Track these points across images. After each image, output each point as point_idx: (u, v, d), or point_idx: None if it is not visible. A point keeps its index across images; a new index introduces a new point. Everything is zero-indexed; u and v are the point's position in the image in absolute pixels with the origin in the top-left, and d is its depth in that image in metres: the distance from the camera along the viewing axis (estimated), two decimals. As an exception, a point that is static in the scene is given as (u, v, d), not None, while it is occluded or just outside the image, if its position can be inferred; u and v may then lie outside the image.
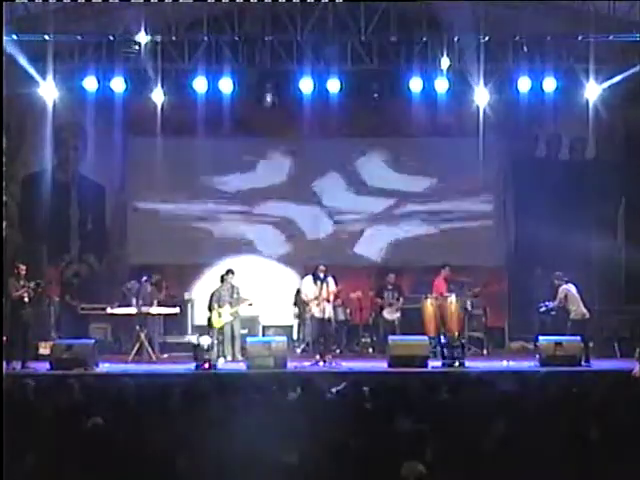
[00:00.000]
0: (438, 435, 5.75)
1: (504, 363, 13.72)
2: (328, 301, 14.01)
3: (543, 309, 14.45)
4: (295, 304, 15.92)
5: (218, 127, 17.12)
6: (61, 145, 17.13)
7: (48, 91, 15.29)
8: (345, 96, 15.96)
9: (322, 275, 13.94)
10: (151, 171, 16.88)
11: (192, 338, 15.03)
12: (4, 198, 16.37)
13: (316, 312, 14.04)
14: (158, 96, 15.63)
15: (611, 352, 14.85)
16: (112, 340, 15.85)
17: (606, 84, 15.40)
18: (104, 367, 13.51)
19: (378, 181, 17.38)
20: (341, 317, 15.55)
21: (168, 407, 7.12)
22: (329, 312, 14.09)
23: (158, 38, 14.96)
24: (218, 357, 14.02)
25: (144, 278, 15.44)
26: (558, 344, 13.37)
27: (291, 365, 13.40)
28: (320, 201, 17.37)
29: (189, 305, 16.23)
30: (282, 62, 15.54)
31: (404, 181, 17.40)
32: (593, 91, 15.44)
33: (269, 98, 16.00)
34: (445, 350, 13.57)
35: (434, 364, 13.35)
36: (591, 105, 15.63)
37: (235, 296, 15.09)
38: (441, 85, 15.51)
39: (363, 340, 16.08)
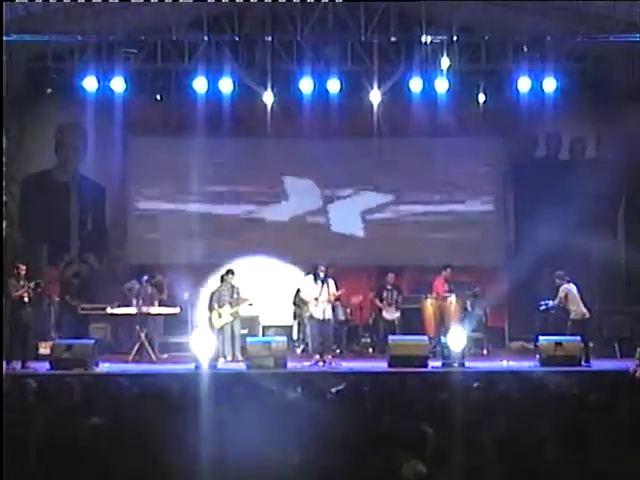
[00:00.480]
0: (438, 435, 5.75)
1: (504, 363, 13.72)
2: (329, 302, 14.01)
3: (543, 307, 14.47)
4: (294, 304, 15.92)
5: (218, 127, 17.14)
6: (61, 145, 17.14)
7: (49, 91, 15.28)
8: (345, 96, 15.98)
9: (322, 275, 13.94)
10: (151, 171, 16.89)
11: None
12: (4, 198, 16.37)
13: (315, 312, 14.04)
14: (159, 96, 15.62)
15: (611, 352, 14.85)
16: (112, 340, 15.84)
17: (605, 84, 15.42)
18: (104, 367, 13.51)
19: (378, 181, 17.37)
20: (341, 317, 15.55)
21: (168, 407, 7.12)
22: (329, 313, 14.10)
23: (158, 38, 14.96)
24: (218, 357, 14.00)
25: (145, 278, 15.45)
26: (558, 344, 13.37)
27: (291, 365, 13.40)
28: (320, 201, 17.35)
29: (189, 305, 16.21)
30: (282, 62, 15.56)
31: (404, 181, 17.39)
32: (593, 90, 15.44)
33: (269, 98, 16.00)
34: (445, 350, 13.57)
35: (434, 364, 13.35)
36: (591, 104, 15.64)
37: (235, 296, 15.10)
38: (441, 85, 15.52)
39: (363, 340, 16.08)
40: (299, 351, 15.65)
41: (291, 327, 16.11)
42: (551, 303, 14.23)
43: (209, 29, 15.10)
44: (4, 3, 13.34)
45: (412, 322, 15.48)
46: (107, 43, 15.35)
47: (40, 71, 15.34)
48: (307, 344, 15.07)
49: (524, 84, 15.48)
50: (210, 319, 15.06)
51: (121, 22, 15.02)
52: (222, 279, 15.32)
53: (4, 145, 16.12)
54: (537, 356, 13.58)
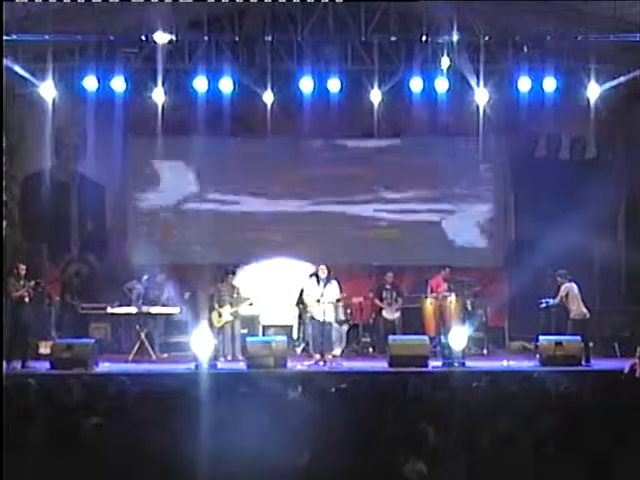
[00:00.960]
0: (438, 434, 5.75)
1: (504, 363, 13.72)
2: (330, 303, 14.00)
3: (544, 305, 14.49)
4: (298, 305, 15.92)
5: (218, 127, 17.14)
6: (61, 145, 17.13)
7: (48, 91, 15.29)
8: (345, 96, 15.98)
9: (324, 276, 13.93)
10: (151, 171, 16.89)
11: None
12: (4, 198, 16.37)
13: (316, 314, 14.03)
14: (158, 96, 15.63)
15: (611, 352, 14.86)
16: (112, 340, 15.84)
17: (607, 84, 15.41)
18: (104, 367, 13.52)
19: (378, 181, 17.36)
20: (341, 317, 15.55)
21: (168, 407, 7.12)
22: (330, 314, 14.09)
23: (158, 38, 14.95)
24: (218, 357, 14.00)
25: (145, 277, 15.46)
26: (558, 344, 13.38)
27: (291, 365, 13.40)
28: (320, 201, 17.35)
29: (189, 305, 16.20)
30: (282, 62, 15.55)
31: (404, 181, 17.38)
32: (593, 91, 15.44)
33: (269, 98, 15.99)
34: (445, 350, 13.58)
35: (434, 364, 13.35)
36: (591, 104, 15.63)
37: (235, 296, 15.11)
38: (441, 85, 15.52)
39: (363, 340, 16.07)
40: (299, 351, 15.65)
41: (291, 327, 16.10)
42: (552, 301, 14.25)
43: (209, 29, 15.09)
44: (4, 3, 13.34)
45: (412, 322, 15.49)
46: (107, 43, 15.34)
47: (40, 71, 15.32)
48: (307, 343, 15.08)
49: (524, 84, 15.47)
50: (210, 319, 15.06)
51: (121, 22, 15.01)
52: (222, 279, 15.33)
53: (4, 145, 16.11)
54: (537, 356, 13.59)
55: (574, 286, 14.03)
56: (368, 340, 16.08)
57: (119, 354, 14.98)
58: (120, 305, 15.16)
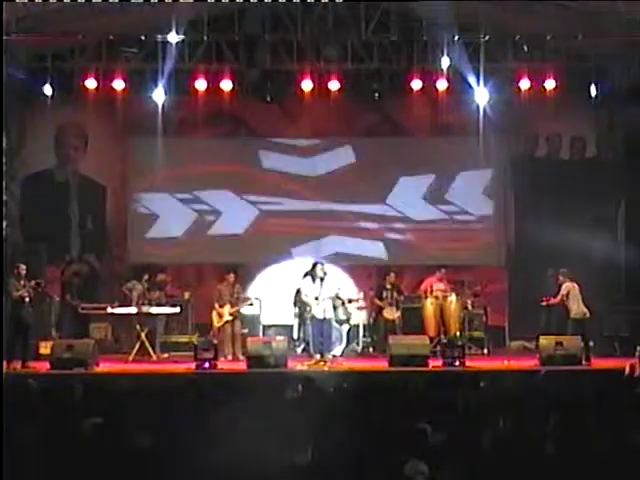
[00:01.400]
0: (438, 434, 5.75)
1: (504, 363, 13.71)
2: (329, 301, 14.01)
3: (545, 303, 14.50)
4: (295, 304, 15.92)
5: (218, 127, 17.15)
6: (61, 145, 17.14)
7: (48, 91, 15.29)
8: (345, 96, 15.99)
9: (322, 275, 13.93)
10: (151, 171, 16.89)
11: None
12: (4, 198, 16.37)
13: (316, 312, 14.03)
14: (158, 96, 15.63)
15: (612, 351, 14.85)
16: (112, 340, 15.84)
17: (606, 84, 15.42)
18: (104, 367, 13.52)
19: (378, 181, 17.35)
20: (341, 317, 15.54)
21: (168, 407, 7.12)
22: (329, 312, 14.09)
23: (158, 38, 14.96)
24: (218, 356, 13.98)
25: (145, 277, 15.46)
26: (558, 343, 13.38)
27: (291, 365, 13.39)
28: (320, 201, 17.35)
29: (189, 305, 16.21)
30: (282, 62, 15.55)
31: (404, 181, 17.38)
32: (593, 90, 15.44)
33: (269, 98, 16.00)
34: (445, 350, 13.57)
35: (434, 364, 13.35)
36: (591, 104, 15.63)
37: (235, 295, 15.11)
38: (441, 85, 15.53)
39: (363, 340, 16.07)
40: (299, 350, 15.65)
41: (292, 326, 16.10)
42: (553, 300, 14.27)
43: (209, 29, 15.09)
44: (4, 3, 13.34)
45: (412, 322, 15.49)
46: (107, 43, 15.35)
47: (40, 71, 15.32)
48: (307, 343, 15.07)
49: (524, 84, 15.48)
50: (210, 319, 15.06)
51: (121, 22, 15.01)
52: (222, 278, 15.33)
53: (4, 145, 16.11)
54: (537, 355, 13.58)
55: (575, 285, 14.04)
56: (368, 340, 16.08)
57: (119, 354, 14.98)
58: (120, 305, 15.14)
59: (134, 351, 14.55)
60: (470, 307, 15.67)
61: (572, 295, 13.98)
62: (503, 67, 15.56)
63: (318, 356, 13.90)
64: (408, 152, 17.32)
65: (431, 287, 15.34)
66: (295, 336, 15.96)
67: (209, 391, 8.04)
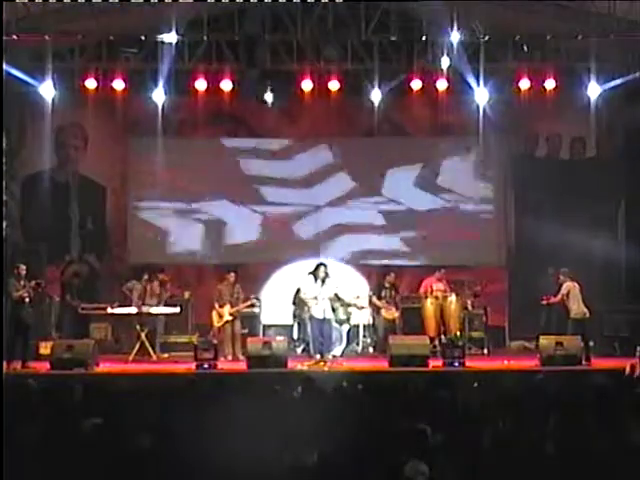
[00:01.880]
0: (439, 434, 5.75)
1: (504, 363, 13.71)
2: (328, 301, 14.00)
3: (545, 302, 14.50)
4: (294, 303, 15.92)
5: (218, 127, 17.15)
6: (61, 145, 17.13)
7: (48, 91, 15.29)
8: (345, 96, 15.99)
9: (323, 275, 13.92)
10: (151, 171, 16.89)
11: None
12: (4, 198, 16.37)
13: (315, 312, 14.02)
14: (158, 96, 15.63)
15: (612, 351, 14.85)
16: (112, 340, 15.84)
17: (606, 84, 15.42)
18: (104, 367, 13.52)
19: (378, 181, 17.36)
20: (341, 317, 15.54)
21: (168, 407, 7.12)
22: (329, 312, 14.09)
23: (158, 38, 14.95)
24: (218, 357, 13.97)
25: (145, 277, 15.45)
26: (559, 343, 13.37)
27: (291, 365, 13.39)
28: (320, 201, 17.35)
29: (189, 305, 16.21)
30: (282, 62, 15.55)
31: (404, 180, 17.38)
32: (593, 90, 15.45)
33: (269, 98, 15.99)
34: (445, 350, 13.57)
35: (434, 364, 13.34)
36: (591, 104, 15.64)
37: (235, 295, 15.11)
38: (441, 85, 15.53)
39: (363, 340, 16.07)
40: (299, 350, 15.64)
41: (292, 326, 16.10)
42: (553, 299, 14.27)
43: (209, 29, 15.09)
44: (4, 3, 13.34)
45: (412, 322, 15.49)
46: (107, 43, 15.34)
47: (40, 71, 15.32)
48: (307, 343, 15.07)
49: (524, 84, 15.49)
50: (210, 319, 15.06)
51: (121, 22, 15.01)
52: (222, 278, 15.33)
53: (4, 145, 16.11)
54: (538, 355, 13.58)
55: (576, 285, 14.04)
56: (368, 340, 16.07)
57: (119, 354, 14.97)
58: (120, 305, 15.14)
59: (134, 351, 14.55)
60: (470, 307, 15.67)
61: (572, 295, 13.98)
62: (503, 67, 15.55)
63: (318, 356, 13.90)
64: (408, 152, 17.31)
65: (431, 287, 15.36)
66: (295, 336, 15.96)
67: (209, 391, 8.05)
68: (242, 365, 13.70)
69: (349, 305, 15.51)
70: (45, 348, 14.21)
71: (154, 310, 15.03)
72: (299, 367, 13.42)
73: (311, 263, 14.64)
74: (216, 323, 14.99)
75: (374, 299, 15.83)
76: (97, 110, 16.36)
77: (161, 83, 15.42)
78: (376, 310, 15.85)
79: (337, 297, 14.68)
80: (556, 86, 15.50)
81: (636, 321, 15.39)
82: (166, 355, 15.14)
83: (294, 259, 16.86)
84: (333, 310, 14.49)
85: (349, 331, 15.88)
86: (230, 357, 14.79)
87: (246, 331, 15.37)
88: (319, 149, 17.33)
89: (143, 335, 14.63)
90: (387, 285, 15.90)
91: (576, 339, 13.54)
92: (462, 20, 14.65)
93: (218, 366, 13.28)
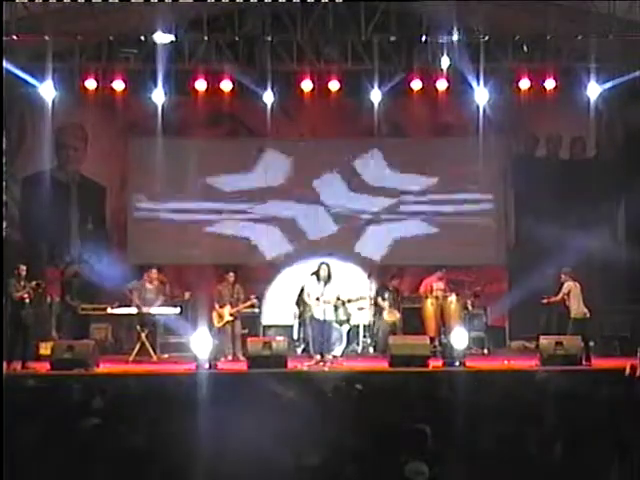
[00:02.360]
0: (438, 435, 5.75)
1: (504, 363, 13.71)
2: (331, 302, 14.00)
3: (545, 301, 14.51)
4: (297, 303, 15.91)
5: (218, 127, 17.15)
6: (61, 145, 17.13)
7: (48, 91, 15.30)
8: (345, 96, 15.99)
9: (325, 274, 13.92)
10: (151, 171, 16.89)
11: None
12: (4, 198, 16.36)
13: (317, 313, 14.02)
14: (158, 96, 15.63)
15: (612, 351, 14.85)
16: (112, 340, 15.84)
17: (606, 83, 15.42)
18: (104, 367, 13.52)
19: (378, 181, 17.35)
20: (342, 317, 15.54)
21: (168, 407, 7.12)
22: (330, 313, 14.08)
23: (161, 39, 14.95)
24: (218, 357, 13.98)
25: (145, 277, 15.44)
26: (559, 343, 13.38)
27: (291, 365, 13.39)
28: (320, 201, 17.35)
29: (190, 305, 16.20)
30: (282, 62, 15.55)
31: (404, 181, 17.38)
32: (593, 90, 15.46)
33: (269, 98, 15.99)
34: (446, 350, 13.57)
35: (435, 364, 13.35)
36: (591, 104, 15.65)
37: (235, 296, 15.10)
38: (441, 85, 15.53)
39: (363, 340, 16.07)
40: (299, 351, 15.64)
41: (292, 327, 16.10)
42: (554, 298, 14.27)
43: (209, 29, 15.09)
44: (4, 3, 13.35)
45: (412, 322, 15.49)
46: (107, 43, 15.35)
47: (40, 71, 15.32)
48: (307, 344, 15.07)
49: (524, 84, 15.49)
50: (210, 319, 15.05)
51: (121, 22, 15.01)
52: (222, 279, 15.33)
53: (4, 145, 16.11)
54: (538, 355, 13.58)
55: (577, 285, 14.05)
56: (368, 340, 16.07)
57: (119, 355, 14.97)
58: (120, 305, 15.15)
59: (134, 352, 14.54)
60: (470, 307, 15.67)
61: (573, 294, 13.99)
62: (503, 67, 15.56)
63: (318, 356, 13.90)
64: (408, 152, 17.32)
65: (431, 287, 15.34)
66: (295, 336, 15.96)
67: (209, 391, 8.04)
68: (242, 365, 13.71)
69: (349, 301, 15.50)
70: (45, 348, 14.22)
71: (154, 310, 15.03)
72: (299, 367, 13.42)
73: (312, 263, 14.62)
74: (216, 323, 14.99)
75: (379, 300, 15.83)
76: (97, 110, 16.38)
77: (161, 83, 15.42)
78: (379, 311, 15.84)
79: (339, 298, 14.69)
80: (556, 86, 15.50)
81: (636, 321, 15.40)
82: (166, 355, 15.14)
83: (295, 260, 16.86)
84: (335, 310, 14.49)
85: (349, 331, 15.88)
86: (230, 357, 14.79)
87: (246, 331, 15.37)
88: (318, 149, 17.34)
89: (143, 336, 14.63)
90: (391, 288, 15.91)
91: (576, 339, 13.55)
92: (462, 20, 14.66)
93: (218, 366, 13.28)
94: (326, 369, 13.36)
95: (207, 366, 12.95)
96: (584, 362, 13.39)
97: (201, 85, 15.55)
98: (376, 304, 15.88)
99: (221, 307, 15.03)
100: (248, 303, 15.26)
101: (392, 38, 15.23)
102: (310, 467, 5.17)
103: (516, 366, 13.40)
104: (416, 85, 15.62)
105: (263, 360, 13.14)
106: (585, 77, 15.46)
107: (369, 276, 16.49)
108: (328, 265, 14.05)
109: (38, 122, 16.25)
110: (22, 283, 13.49)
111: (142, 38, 15.08)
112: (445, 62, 15.13)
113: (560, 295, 14.12)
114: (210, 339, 13.26)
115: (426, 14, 14.98)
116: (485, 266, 17.10)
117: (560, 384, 8.74)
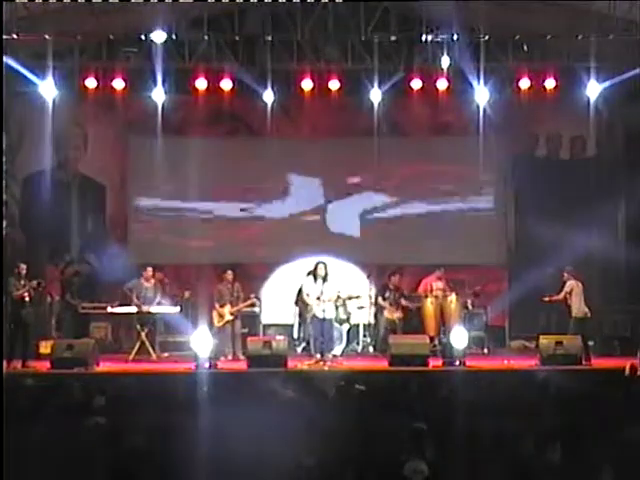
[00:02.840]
0: (438, 434, 5.75)
1: (504, 362, 13.71)
2: (329, 301, 14.00)
3: (547, 299, 14.51)
4: (296, 303, 15.92)
5: (218, 126, 17.15)
6: (61, 145, 17.12)
7: (48, 91, 15.30)
8: (345, 96, 15.99)
9: (322, 273, 13.92)
10: (151, 170, 16.89)
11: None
12: (4, 197, 16.37)
13: (317, 312, 14.03)
14: (158, 96, 15.64)
15: (612, 351, 14.86)
16: (112, 339, 15.85)
17: (606, 83, 15.43)
18: (104, 366, 13.52)
19: (378, 181, 17.35)
20: (342, 316, 15.55)
21: (168, 406, 7.13)
22: (330, 312, 14.08)
23: (158, 37, 14.95)
24: (218, 356, 13.98)
25: (145, 277, 15.44)
26: (559, 343, 13.38)
27: (291, 365, 13.39)
28: (320, 200, 17.35)
29: (189, 304, 16.20)
30: (282, 62, 15.55)
31: (404, 180, 17.38)
32: (593, 90, 15.46)
33: (269, 98, 15.99)
34: (446, 349, 13.57)
35: (435, 363, 13.35)
36: (591, 104, 15.65)
37: (235, 294, 15.11)
38: (441, 84, 15.54)
39: (363, 340, 16.07)
40: (299, 350, 15.65)
41: (292, 326, 16.11)
42: (555, 297, 14.27)
43: (209, 28, 15.10)
44: (4, 3, 13.34)
45: (412, 322, 15.49)
46: (107, 43, 15.35)
47: (40, 71, 15.32)
48: (308, 343, 15.07)
49: (524, 84, 15.50)
50: (210, 318, 15.05)
51: (121, 22, 15.01)
52: (221, 278, 15.32)
53: (4, 145, 16.11)
54: (538, 355, 13.59)
55: (579, 284, 14.06)
56: (368, 340, 16.08)
57: (119, 354, 14.98)
58: (120, 305, 15.15)
59: (134, 351, 14.55)
60: (470, 307, 15.68)
61: (575, 293, 14.00)
62: (503, 67, 15.56)
63: (318, 356, 13.89)
64: (408, 151, 17.31)
65: (431, 286, 15.35)
66: (295, 336, 15.97)
67: (209, 390, 8.05)
68: (242, 365, 13.71)
69: (350, 298, 15.50)
70: (45, 347, 14.23)
71: (154, 310, 15.03)
72: (299, 366, 13.42)
73: (311, 261, 14.61)
74: (216, 323, 14.99)
75: (380, 300, 15.83)
76: (97, 109, 16.38)
77: (161, 82, 15.43)
78: (380, 310, 15.84)
79: (338, 296, 14.69)
80: (556, 86, 15.51)
81: (636, 321, 15.40)
82: (166, 355, 15.14)
83: (294, 257, 16.86)
84: (335, 309, 14.50)
85: (349, 330, 15.89)
86: (230, 357, 14.79)
87: (246, 330, 15.38)
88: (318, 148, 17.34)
89: (143, 335, 14.63)
90: (392, 287, 15.91)
91: (576, 339, 13.55)
92: (462, 19, 14.66)
93: (218, 366, 13.28)
94: (326, 368, 13.35)
95: (207, 365, 12.94)
96: (584, 362, 13.39)
97: (201, 84, 15.56)
98: (376, 303, 15.90)
99: (221, 306, 15.03)
100: (248, 302, 15.26)
101: (392, 37, 15.23)
102: (310, 466, 5.17)
103: (516, 366, 13.39)
104: (416, 84, 15.63)
105: (263, 359, 13.14)
106: (585, 77, 15.47)
107: (368, 276, 16.51)
108: (325, 264, 14.04)
109: (38, 121, 16.24)
110: (22, 282, 13.50)
111: (142, 37, 15.09)
112: (445, 61, 15.14)
113: (562, 294, 14.13)
114: (210, 338, 13.26)
115: (426, 13, 14.97)
116: (485, 265, 17.09)
117: (560, 384, 8.74)
